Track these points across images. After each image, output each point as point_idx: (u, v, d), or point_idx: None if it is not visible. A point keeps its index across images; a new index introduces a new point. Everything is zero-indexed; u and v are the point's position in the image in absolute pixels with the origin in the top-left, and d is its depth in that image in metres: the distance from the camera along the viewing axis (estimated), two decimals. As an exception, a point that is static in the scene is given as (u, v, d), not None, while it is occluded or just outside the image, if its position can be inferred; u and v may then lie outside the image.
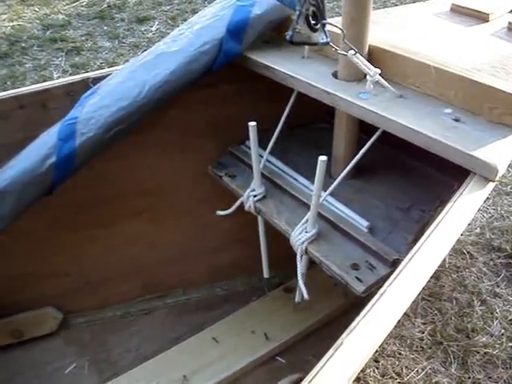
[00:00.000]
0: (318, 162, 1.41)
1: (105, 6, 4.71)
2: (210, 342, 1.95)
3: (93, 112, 1.61)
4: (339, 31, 1.36)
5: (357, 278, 1.45)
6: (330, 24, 1.29)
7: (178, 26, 1.83)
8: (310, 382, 0.91)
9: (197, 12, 1.84)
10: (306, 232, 1.56)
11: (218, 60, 1.68)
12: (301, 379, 1.52)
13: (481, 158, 1.24)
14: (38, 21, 4.50)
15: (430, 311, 2.14)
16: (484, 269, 2.33)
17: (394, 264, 1.45)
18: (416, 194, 1.69)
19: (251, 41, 1.72)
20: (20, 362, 1.93)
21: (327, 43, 1.30)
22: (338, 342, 0.96)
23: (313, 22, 1.24)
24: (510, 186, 2.75)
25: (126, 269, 2.10)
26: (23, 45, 4.16)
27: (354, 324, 0.99)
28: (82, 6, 4.72)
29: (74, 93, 1.75)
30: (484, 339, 2.05)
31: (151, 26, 4.40)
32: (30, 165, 1.58)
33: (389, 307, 1.03)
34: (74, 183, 1.66)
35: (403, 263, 1.10)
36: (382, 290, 1.05)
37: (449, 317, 2.12)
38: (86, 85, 1.76)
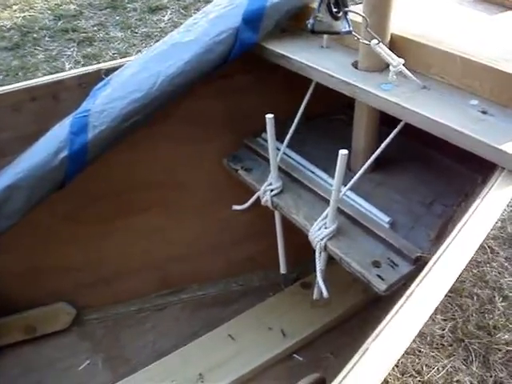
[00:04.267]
0: (339, 156, 1.36)
1: (117, -5, 4.67)
2: (226, 339, 1.91)
3: (105, 104, 1.57)
4: (359, 20, 1.31)
5: (378, 275, 1.40)
6: (353, 12, 1.24)
7: (190, 16, 1.79)
8: (337, 386, 0.86)
9: (210, 1, 1.79)
10: (326, 228, 1.51)
11: (234, 50, 1.63)
12: (321, 379, 1.49)
13: (510, 152, 1.19)
14: (49, 11, 4.47)
15: (450, 307, 2.09)
16: (505, 264, 2.28)
17: (417, 261, 1.41)
18: (438, 187, 1.63)
19: (268, 30, 1.67)
20: (33, 358, 1.90)
21: (350, 32, 1.25)
22: (364, 346, 0.92)
23: (335, 9, 1.20)
24: (531, 178, 2.68)
25: (140, 263, 2.06)
26: (35, 35, 4.13)
27: (380, 327, 0.95)
28: (94, -4, 4.68)
29: (86, 84, 1.71)
30: (506, 336, 2.00)
31: (164, 16, 4.35)
32: (42, 159, 1.55)
33: (416, 310, 0.98)
34: (87, 176, 1.62)
35: (431, 263, 1.05)
36: (408, 292, 1.01)
37: (470, 313, 2.07)
38: (98, 76, 1.72)
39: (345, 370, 0.89)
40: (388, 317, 0.97)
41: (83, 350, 1.95)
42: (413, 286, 1.02)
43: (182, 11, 4.33)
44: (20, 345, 1.94)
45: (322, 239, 1.50)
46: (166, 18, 4.30)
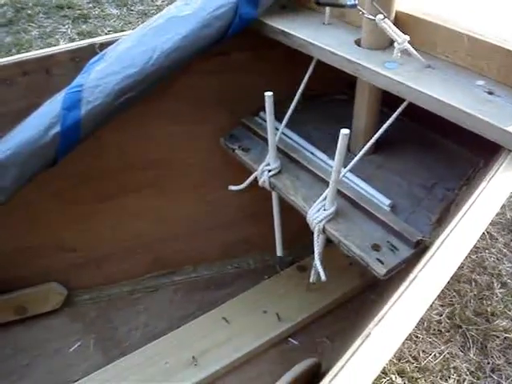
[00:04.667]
0: (340, 136, 1.31)
1: (113, -28, 4.59)
2: (220, 322, 1.88)
3: (99, 79, 1.52)
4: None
5: (378, 259, 1.37)
6: (359, -15, 1.19)
7: (188, -7, 1.73)
8: (336, 374, 0.83)
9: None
10: (324, 210, 1.47)
11: (233, 25, 1.58)
12: (316, 363, 1.45)
13: (517, 134, 1.15)
14: (44, -13, 4.39)
15: (448, 293, 2.07)
16: (504, 250, 2.25)
17: (417, 245, 1.37)
18: (440, 170, 1.59)
19: (267, 5, 1.63)
20: (23, 339, 1.87)
21: (355, 6, 1.21)
22: (366, 331, 0.88)
23: (340, -19, 1.15)
24: (531, 164, 2.64)
25: (133, 244, 2.03)
26: (29, 12, 4.06)
27: (382, 313, 0.92)
28: (90, -28, 4.60)
29: (79, 59, 1.66)
30: (504, 323, 1.97)
31: (160, -6, 4.28)
32: (33, 135, 1.50)
33: (419, 295, 0.95)
34: (79, 154, 1.58)
35: (434, 247, 1.02)
36: (412, 276, 0.97)
37: (468, 299, 2.05)
38: (92, 51, 1.66)
39: (346, 354, 0.86)
40: (390, 302, 0.93)
41: (74, 331, 1.92)
42: (415, 270, 0.98)
43: (180, -11, 4.26)
44: (11, 325, 1.91)
45: (320, 221, 1.46)
46: (162, -4, 4.24)
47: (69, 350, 1.86)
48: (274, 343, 1.85)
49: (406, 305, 0.93)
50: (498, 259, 2.21)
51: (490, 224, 2.34)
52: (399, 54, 1.34)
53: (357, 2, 1.19)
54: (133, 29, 1.60)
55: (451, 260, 1.01)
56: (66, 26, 3.88)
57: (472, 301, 2.04)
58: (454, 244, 1.02)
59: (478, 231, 1.06)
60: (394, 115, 1.43)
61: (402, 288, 0.95)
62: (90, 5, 4.15)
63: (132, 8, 4.09)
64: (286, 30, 1.58)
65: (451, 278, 2.06)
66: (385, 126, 1.46)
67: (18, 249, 1.87)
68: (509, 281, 2.12)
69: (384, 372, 1.80)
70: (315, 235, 1.50)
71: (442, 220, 1.45)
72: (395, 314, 0.92)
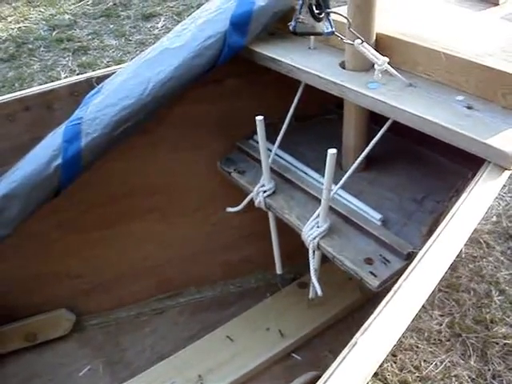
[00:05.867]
0: (328, 155, 1.37)
1: (110, 3, 4.69)
2: (225, 341, 1.93)
3: (97, 112, 1.58)
4: (345, 20, 1.32)
5: (371, 272, 1.42)
6: (335, 12, 1.26)
7: (183, 22, 1.80)
8: (326, 382, 0.88)
9: (202, 7, 1.82)
10: (318, 227, 1.53)
11: (223, 54, 1.64)
12: (318, 376, 1.49)
13: (495, 146, 1.20)
14: (44, 21, 4.49)
15: (447, 303, 2.10)
16: (501, 258, 2.29)
17: (409, 257, 1.42)
18: (429, 184, 1.65)
19: (256, 33, 1.69)
20: (34, 365, 1.92)
21: (332, 33, 1.26)
22: (353, 340, 0.93)
23: (316, 11, 1.21)
24: (525, 173, 2.68)
25: (138, 268, 2.08)
26: (30, 46, 4.15)
27: (368, 322, 0.96)
28: (88, 5, 4.70)
29: (78, 93, 1.73)
30: (503, 330, 2.00)
31: (157, 23, 4.37)
32: (36, 167, 1.56)
33: (404, 304, 1.00)
34: (83, 183, 1.64)
35: (418, 257, 1.07)
36: (396, 286, 1.02)
37: (467, 308, 2.09)
38: (90, 84, 1.74)
39: (335, 363, 0.90)
40: (376, 312, 0.98)
41: (84, 355, 1.97)
42: (400, 280, 1.03)
43: (176, 17, 4.35)
44: (21, 352, 1.96)
45: (314, 238, 1.52)
46: (159, 25, 4.32)
47: (79, 374, 1.90)
48: (277, 359, 1.89)
49: (391, 314, 0.98)
50: (495, 267, 2.25)
51: (487, 233, 2.39)
52: (380, 75, 1.39)
53: (334, 30, 1.25)
54: (131, 58, 1.67)
55: (435, 269, 1.05)
56: (67, 59, 3.96)
57: (471, 309, 2.08)
58: (436, 254, 1.07)
59: (459, 241, 1.11)
60: (380, 133, 1.49)
61: (387, 298, 1.00)
62: (90, 36, 4.24)
63: (130, 38, 4.18)
64: (274, 56, 1.64)
65: (450, 287, 2.12)
66: (372, 144, 1.52)
67: (27, 277, 1.92)
68: (507, 288, 2.16)
69: (386, 383, 1.83)
70: (310, 252, 1.55)
71: (432, 232, 1.49)
72: (381, 323, 0.96)
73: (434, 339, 1.99)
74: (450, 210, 1.16)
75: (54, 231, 1.89)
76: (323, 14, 1.22)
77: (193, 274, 2.14)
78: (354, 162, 1.58)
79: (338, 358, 0.91)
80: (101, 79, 1.72)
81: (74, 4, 4.75)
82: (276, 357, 1.89)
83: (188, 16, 1.80)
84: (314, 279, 1.59)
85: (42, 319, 1.99)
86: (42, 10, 4.68)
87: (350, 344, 0.93)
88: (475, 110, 1.33)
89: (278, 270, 1.94)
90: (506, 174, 1.23)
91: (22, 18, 4.56)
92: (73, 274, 2.00)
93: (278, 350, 1.89)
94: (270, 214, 1.79)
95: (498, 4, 1.88)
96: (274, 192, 1.71)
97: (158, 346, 1.99)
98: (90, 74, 1.79)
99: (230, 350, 1.89)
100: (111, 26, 4.37)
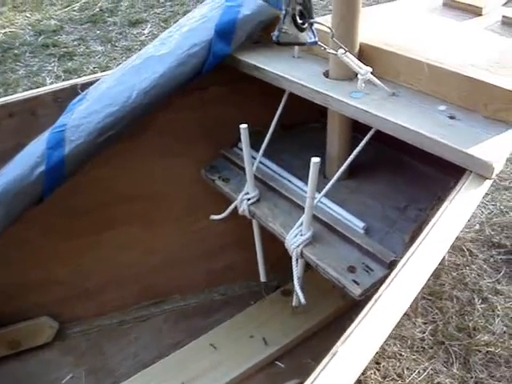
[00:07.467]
0: (311, 164, 1.38)
1: (97, 9, 4.69)
2: (208, 349, 1.92)
3: (81, 118, 1.58)
4: (329, 30, 1.33)
5: (354, 280, 1.43)
6: (318, 23, 1.26)
7: (170, 29, 1.81)
8: (307, 390, 0.88)
9: (188, 14, 1.82)
10: (301, 235, 1.53)
11: (207, 62, 1.65)
12: (299, 384, 1.50)
13: (476, 155, 1.22)
14: (30, 27, 4.48)
15: (430, 310, 2.11)
16: (484, 266, 2.30)
17: (391, 265, 1.42)
18: (412, 192, 1.66)
19: (241, 42, 1.70)
20: (16, 373, 1.90)
21: (315, 43, 1.27)
22: (334, 349, 0.94)
23: (300, 21, 1.21)
24: (508, 181, 2.71)
25: (122, 276, 2.07)
26: (15, 51, 4.13)
27: (349, 330, 0.97)
28: (74, 11, 4.70)
29: (62, 99, 1.73)
30: (486, 337, 2.02)
31: (144, 29, 4.37)
32: (19, 174, 1.56)
33: (385, 312, 1.00)
34: (68, 190, 1.64)
35: (400, 265, 1.08)
36: (377, 294, 1.03)
37: (450, 316, 2.10)
38: (74, 91, 1.73)
39: (314, 373, 0.90)
40: (357, 320, 0.98)
41: (66, 363, 1.95)
42: (381, 288, 1.04)
43: (162, 24, 4.36)
44: (6, 359, 1.94)
45: (297, 246, 1.52)
46: (146, 32, 4.33)
47: (61, 382, 1.89)
48: (261, 367, 1.89)
49: (372, 322, 0.98)
50: (478, 275, 2.26)
51: (470, 241, 2.40)
52: (363, 85, 1.40)
53: (317, 39, 1.26)
54: (117, 64, 1.67)
55: (416, 278, 1.06)
56: (52, 64, 3.95)
57: (454, 317, 2.09)
58: (418, 262, 1.07)
59: (441, 249, 1.12)
60: (363, 142, 1.50)
61: (368, 306, 1.01)
62: (75, 42, 4.23)
63: (116, 44, 4.18)
64: (258, 64, 1.65)
65: (433, 295, 2.13)
66: (355, 152, 1.53)
67: (10, 284, 1.91)
68: (489, 296, 2.17)
69: (369, 390, 1.84)
70: (293, 260, 1.56)
71: (414, 240, 1.50)
72: (362, 332, 0.96)
73: (417, 347, 1.99)
74: (432, 218, 1.17)
75: (38, 238, 1.88)
76: (306, 24, 1.23)
77: (177, 282, 2.14)
78: (337, 171, 1.59)
79: (319, 367, 0.91)
80: (85, 86, 1.72)
81: (60, 10, 4.74)
82: (260, 364, 1.88)
83: (174, 23, 1.81)
84: (297, 287, 1.59)
85: (25, 326, 1.97)
86: (28, 16, 4.67)
87: (330, 352, 0.93)
88: (457, 119, 1.34)
89: (262, 278, 1.94)
90: (488, 183, 1.24)
91: (8, 23, 4.54)
92: (56, 281, 1.99)
93: (262, 358, 1.89)
94: (254, 222, 1.79)
95: (481, 14, 1.90)
96: (258, 200, 1.72)
97: (141, 353, 1.98)
98: (75, 80, 1.79)
99: (214, 358, 1.89)
100: (97, 32, 4.37)
